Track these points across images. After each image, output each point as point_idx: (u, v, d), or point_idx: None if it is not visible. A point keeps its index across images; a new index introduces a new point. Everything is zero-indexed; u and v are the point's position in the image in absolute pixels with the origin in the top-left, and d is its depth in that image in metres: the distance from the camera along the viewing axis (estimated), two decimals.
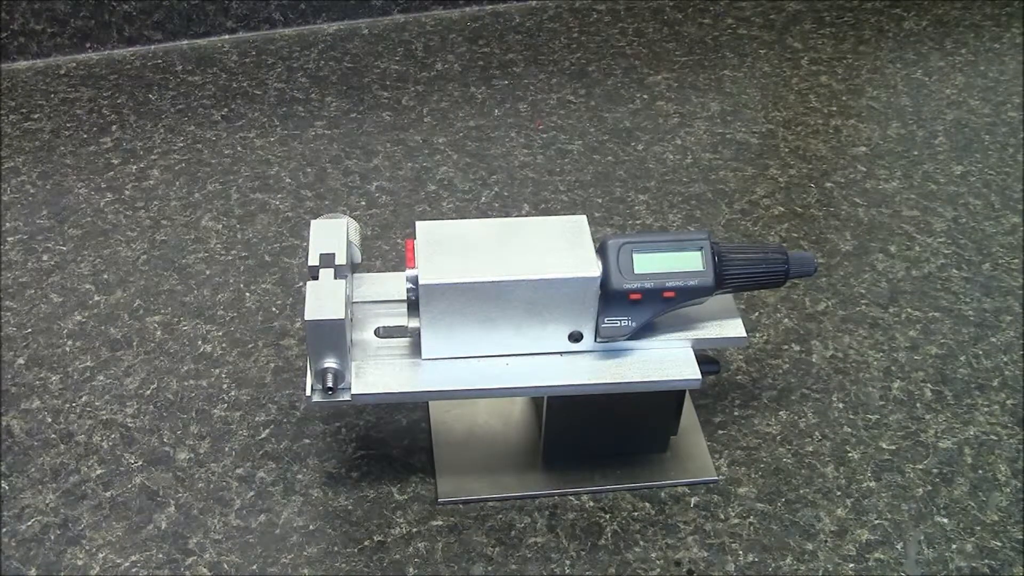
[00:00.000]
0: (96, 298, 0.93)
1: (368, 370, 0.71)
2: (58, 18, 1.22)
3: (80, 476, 0.78)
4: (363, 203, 1.04)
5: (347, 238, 0.73)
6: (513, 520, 0.76)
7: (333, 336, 0.68)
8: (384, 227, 1.01)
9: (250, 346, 0.88)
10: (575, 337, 0.72)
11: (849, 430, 0.82)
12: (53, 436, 0.81)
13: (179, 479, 0.78)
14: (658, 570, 0.72)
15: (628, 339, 0.72)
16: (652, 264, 0.70)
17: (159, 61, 1.24)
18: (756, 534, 0.75)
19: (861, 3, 1.38)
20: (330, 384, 0.69)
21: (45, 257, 0.97)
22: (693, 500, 0.77)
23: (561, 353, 0.73)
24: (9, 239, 0.99)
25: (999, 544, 0.75)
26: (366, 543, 0.74)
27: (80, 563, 0.72)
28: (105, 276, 0.95)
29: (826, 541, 0.75)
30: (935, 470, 0.79)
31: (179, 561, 0.73)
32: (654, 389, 0.72)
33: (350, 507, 0.76)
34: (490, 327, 0.71)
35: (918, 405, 0.84)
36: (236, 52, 1.26)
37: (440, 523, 0.75)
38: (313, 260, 0.71)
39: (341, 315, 0.67)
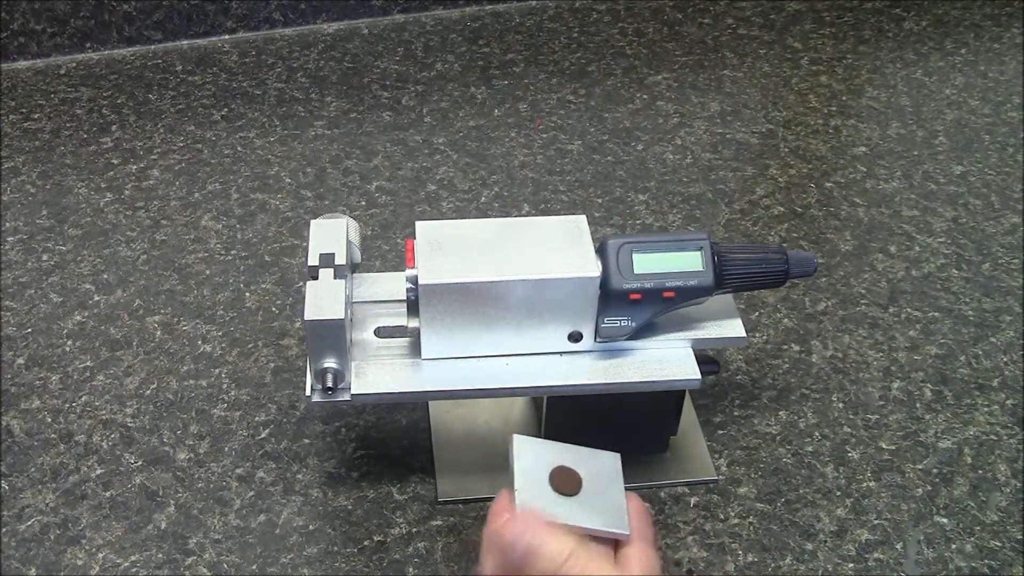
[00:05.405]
0: (96, 298, 0.93)
1: (368, 370, 0.71)
2: (58, 18, 1.22)
3: (80, 476, 0.78)
4: (363, 203, 1.04)
5: (347, 238, 0.73)
6: None
7: (333, 336, 0.68)
8: (384, 227, 1.01)
9: (250, 346, 0.88)
10: (575, 337, 0.72)
11: (849, 430, 0.82)
12: (53, 436, 0.81)
13: (179, 479, 0.78)
14: None
15: (628, 339, 0.72)
16: (652, 264, 0.70)
17: (159, 61, 1.24)
18: (756, 534, 0.75)
19: (861, 3, 1.38)
20: (330, 384, 0.69)
21: (45, 257, 0.97)
22: (693, 500, 0.77)
23: (561, 353, 0.73)
24: (9, 239, 0.99)
25: (999, 544, 0.75)
26: (366, 543, 0.74)
27: (80, 563, 0.72)
28: (105, 276, 0.95)
29: (826, 541, 0.75)
30: (935, 470, 0.79)
31: (179, 561, 0.73)
32: (654, 389, 0.72)
33: (350, 507, 0.76)
34: (490, 327, 0.71)
35: (918, 405, 0.84)
36: (236, 52, 1.26)
37: (440, 523, 0.75)
38: (313, 260, 0.71)
39: (341, 315, 0.67)
